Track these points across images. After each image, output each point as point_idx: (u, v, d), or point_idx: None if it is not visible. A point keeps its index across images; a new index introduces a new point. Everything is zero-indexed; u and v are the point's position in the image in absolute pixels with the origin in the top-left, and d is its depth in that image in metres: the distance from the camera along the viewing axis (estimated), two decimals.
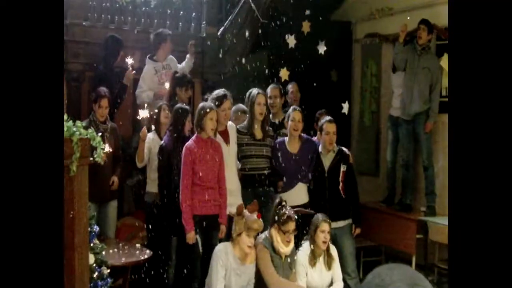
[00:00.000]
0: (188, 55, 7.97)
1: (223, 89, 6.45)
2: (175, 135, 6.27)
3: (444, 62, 7.64)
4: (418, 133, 7.62)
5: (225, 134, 6.37)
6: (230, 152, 6.34)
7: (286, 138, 6.68)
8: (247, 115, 6.68)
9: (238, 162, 6.57)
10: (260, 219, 5.51)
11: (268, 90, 7.18)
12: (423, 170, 7.65)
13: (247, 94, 6.80)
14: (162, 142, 6.40)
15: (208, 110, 5.97)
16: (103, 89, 6.68)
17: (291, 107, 6.72)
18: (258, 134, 6.57)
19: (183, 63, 7.96)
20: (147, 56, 7.67)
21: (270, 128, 6.79)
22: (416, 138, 7.70)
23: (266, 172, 6.55)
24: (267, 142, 6.62)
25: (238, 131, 6.55)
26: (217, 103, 6.21)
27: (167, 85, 7.29)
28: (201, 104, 6.16)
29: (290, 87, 8.09)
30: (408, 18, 8.00)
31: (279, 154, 6.58)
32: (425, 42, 7.62)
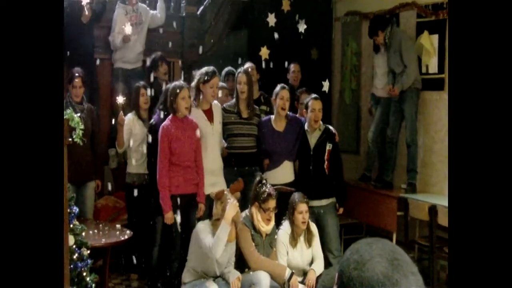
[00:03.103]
0: (158, 3, 8.10)
1: (212, 67, 6.37)
2: (165, 113, 6.23)
3: (425, 39, 7.65)
4: (404, 110, 7.61)
5: (209, 113, 6.33)
6: (213, 131, 6.29)
7: (272, 116, 6.65)
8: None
9: (223, 141, 6.55)
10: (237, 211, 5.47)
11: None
12: (406, 147, 7.67)
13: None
14: (152, 120, 6.38)
15: (178, 90, 5.91)
16: (76, 69, 6.62)
17: (279, 85, 6.63)
18: (245, 112, 6.54)
19: (157, 10, 8.09)
20: (118, 1, 7.79)
21: (257, 107, 6.76)
22: (401, 116, 7.69)
23: (252, 151, 6.54)
24: (254, 121, 6.59)
25: (225, 110, 6.52)
26: (206, 78, 6.16)
27: (135, 34, 7.56)
28: (172, 85, 6.09)
29: (292, 66, 8.09)
30: None
31: (266, 132, 6.56)
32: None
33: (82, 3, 7.16)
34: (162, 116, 6.22)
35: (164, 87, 6.99)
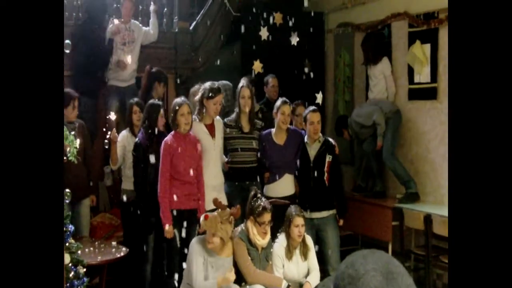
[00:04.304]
0: (151, 19, 8.14)
1: (217, 82, 6.41)
2: (149, 131, 6.26)
3: (417, 49, 7.68)
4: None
5: (211, 127, 6.34)
6: (215, 146, 6.32)
7: (273, 130, 6.66)
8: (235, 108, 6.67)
9: (224, 156, 6.55)
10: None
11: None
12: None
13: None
14: (137, 139, 6.38)
15: (177, 107, 5.96)
16: (71, 92, 6.60)
17: (280, 100, 6.63)
18: (246, 127, 6.55)
19: (149, 26, 8.13)
20: (111, 18, 7.88)
21: (258, 121, 6.75)
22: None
23: (253, 165, 6.54)
24: (255, 135, 6.60)
25: (226, 124, 6.52)
26: (210, 94, 6.16)
27: (128, 52, 7.64)
28: (173, 101, 6.16)
29: (270, 80, 8.05)
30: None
31: (266, 146, 6.58)
32: None
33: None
34: (146, 133, 6.27)
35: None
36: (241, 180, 6.45)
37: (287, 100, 6.65)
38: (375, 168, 7.93)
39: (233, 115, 6.61)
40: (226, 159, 6.54)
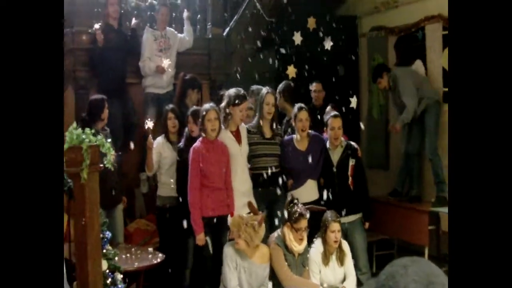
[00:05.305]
0: (185, 26, 8.20)
1: (242, 89, 6.41)
2: (186, 136, 6.39)
3: None
4: (424, 123, 7.59)
5: (237, 134, 6.35)
6: (242, 152, 6.32)
7: (294, 136, 6.65)
8: (256, 113, 6.66)
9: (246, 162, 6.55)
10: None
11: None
12: (429, 160, 7.62)
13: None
14: (180, 143, 6.51)
15: (204, 112, 5.99)
16: (104, 97, 6.66)
17: (297, 106, 6.62)
18: (268, 133, 6.53)
19: (184, 33, 8.17)
20: (147, 26, 7.93)
21: (279, 127, 6.75)
22: (423, 129, 7.66)
23: (275, 170, 6.50)
24: (276, 140, 6.59)
25: (247, 131, 6.51)
26: (237, 101, 6.19)
27: (165, 59, 7.59)
28: (202, 107, 6.20)
29: (314, 85, 8.09)
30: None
31: (288, 152, 6.57)
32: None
33: (94, 29, 7.37)
34: (184, 139, 6.40)
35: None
36: (264, 186, 6.43)
37: (303, 106, 6.63)
38: (416, 170, 7.85)
39: (255, 121, 6.60)
40: (249, 165, 6.53)
